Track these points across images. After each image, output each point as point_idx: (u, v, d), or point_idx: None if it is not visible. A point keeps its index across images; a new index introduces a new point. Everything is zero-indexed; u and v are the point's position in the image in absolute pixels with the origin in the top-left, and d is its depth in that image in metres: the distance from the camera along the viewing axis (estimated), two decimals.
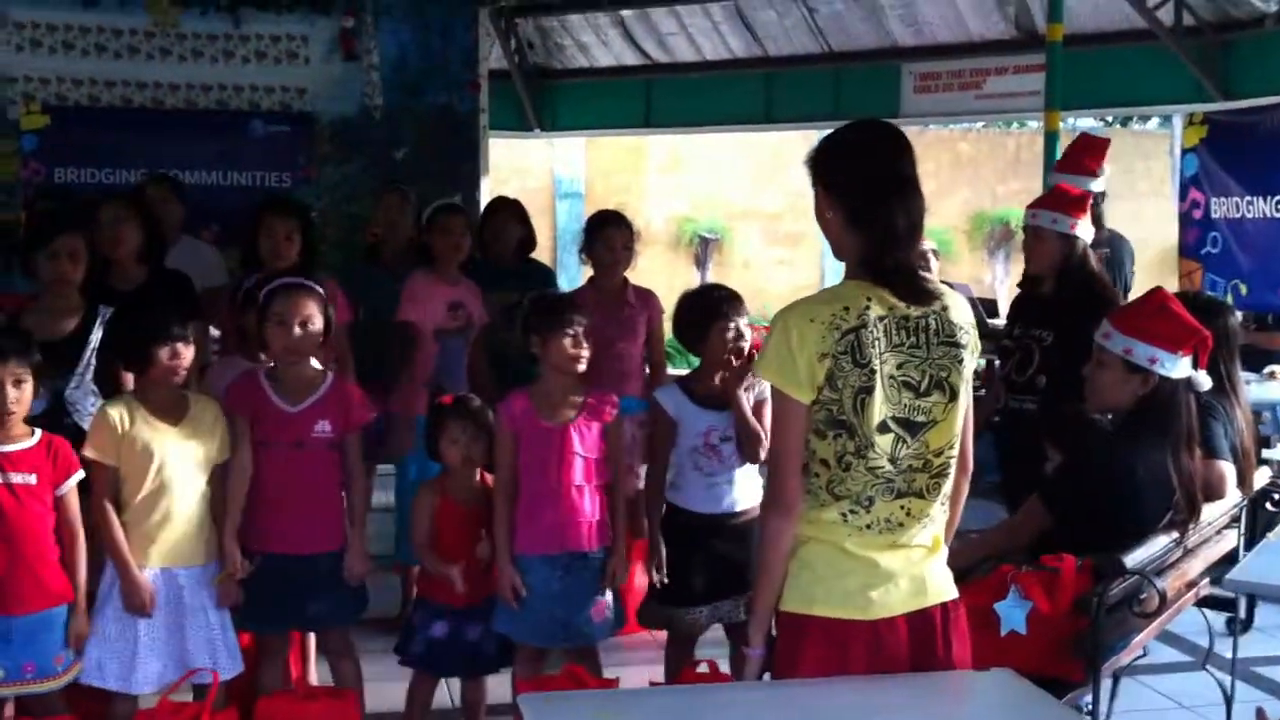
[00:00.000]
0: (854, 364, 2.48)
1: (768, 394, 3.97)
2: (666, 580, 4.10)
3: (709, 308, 4.14)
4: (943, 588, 2.64)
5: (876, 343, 2.50)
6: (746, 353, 4.05)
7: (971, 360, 2.62)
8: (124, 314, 4.07)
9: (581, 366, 3.91)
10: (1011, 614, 3.14)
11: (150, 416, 3.73)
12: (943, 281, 2.81)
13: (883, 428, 2.52)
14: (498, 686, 4.12)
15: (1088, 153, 5.53)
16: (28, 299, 4.46)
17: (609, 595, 3.98)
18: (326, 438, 3.91)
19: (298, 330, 3.85)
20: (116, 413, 3.72)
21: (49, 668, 3.61)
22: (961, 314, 2.62)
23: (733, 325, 4.06)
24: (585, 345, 3.90)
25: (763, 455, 3.91)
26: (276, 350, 3.90)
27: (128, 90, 7.34)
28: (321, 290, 3.99)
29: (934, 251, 6.62)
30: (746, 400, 4.01)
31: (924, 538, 2.62)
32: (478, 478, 4.05)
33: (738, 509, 4.09)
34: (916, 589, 2.59)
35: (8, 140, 7.10)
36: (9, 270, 4.44)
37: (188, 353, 3.74)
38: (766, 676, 2.71)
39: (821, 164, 2.63)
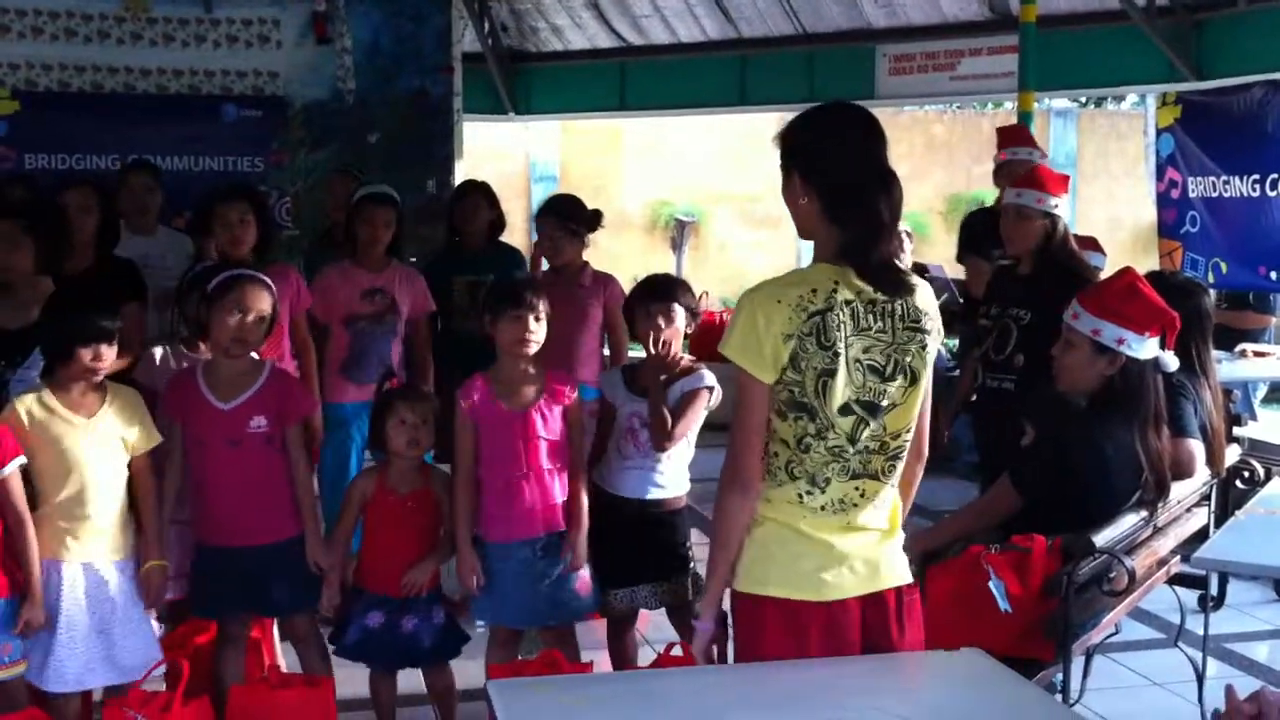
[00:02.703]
0: (818, 346, 2.49)
1: (704, 384, 4.03)
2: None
3: (636, 295, 4.17)
4: (897, 572, 2.65)
5: (842, 326, 2.50)
6: (667, 341, 4.04)
7: (935, 345, 2.63)
8: (58, 302, 4.02)
9: (530, 350, 3.87)
10: (1000, 591, 3.15)
11: (64, 409, 3.66)
12: (916, 264, 2.83)
13: (844, 410, 2.53)
14: (477, 671, 4.11)
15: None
16: None
17: (587, 572, 3.98)
18: (263, 433, 3.84)
19: (248, 320, 3.82)
20: (24, 406, 3.64)
21: None
22: (927, 300, 2.63)
23: (655, 313, 4.05)
24: (535, 329, 3.87)
25: (670, 446, 3.91)
26: (223, 341, 3.85)
27: (98, 75, 7.30)
28: (270, 281, 3.95)
29: (908, 234, 6.65)
30: (675, 389, 4.01)
31: (878, 520, 2.63)
32: (419, 468, 3.99)
33: (656, 496, 4.07)
34: (870, 572, 2.60)
35: None
36: None
37: (109, 353, 3.64)
38: (718, 652, 2.74)
39: (796, 149, 2.61)
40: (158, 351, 4.25)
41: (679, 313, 4.08)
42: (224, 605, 3.92)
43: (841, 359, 2.50)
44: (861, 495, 2.58)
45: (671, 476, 4.09)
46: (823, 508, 2.56)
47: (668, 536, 4.10)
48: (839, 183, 2.54)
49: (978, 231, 6.04)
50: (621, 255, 15.64)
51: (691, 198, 18.78)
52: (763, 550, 2.59)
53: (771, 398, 2.54)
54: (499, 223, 5.84)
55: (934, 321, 2.62)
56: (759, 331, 2.50)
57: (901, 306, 2.57)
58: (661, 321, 4.03)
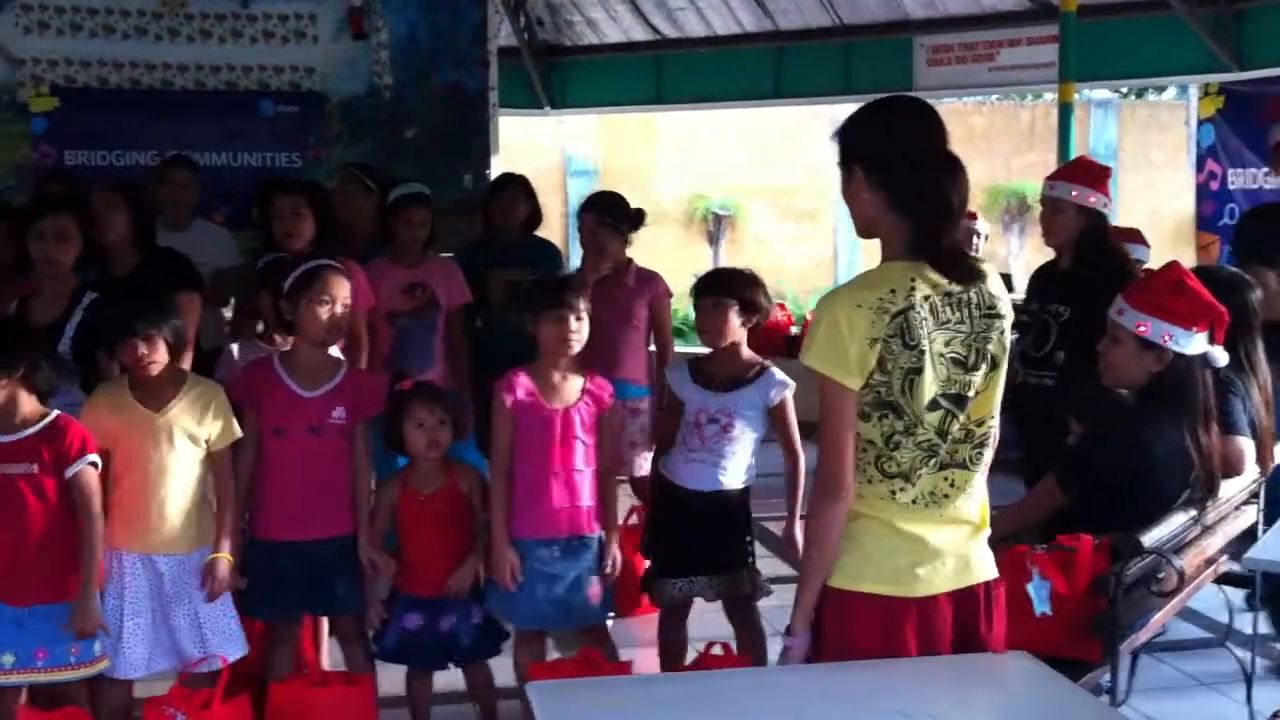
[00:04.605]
0: (904, 346, 2.46)
1: (786, 391, 4.00)
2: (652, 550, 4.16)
3: (697, 289, 4.16)
4: (986, 566, 2.63)
5: (924, 322, 2.47)
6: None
7: (1008, 330, 2.61)
8: (104, 304, 4.03)
9: (573, 349, 3.87)
10: (1041, 594, 3.11)
11: (134, 402, 3.69)
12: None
13: (932, 405, 2.50)
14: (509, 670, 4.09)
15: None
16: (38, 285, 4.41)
17: (607, 576, 3.96)
18: (341, 424, 3.88)
19: (337, 311, 3.84)
20: (101, 396, 3.71)
21: (63, 656, 3.57)
22: (997, 284, 2.61)
23: (713, 307, 4.06)
24: (578, 328, 3.86)
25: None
26: (316, 333, 3.87)
27: (136, 71, 7.31)
28: (347, 270, 3.97)
29: (985, 235, 6.50)
30: (754, 395, 4.02)
31: (970, 510, 2.60)
32: (442, 466, 3.98)
33: (720, 489, 4.06)
34: (961, 567, 2.58)
35: (18, 123, 7.08)
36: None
37: (150, 348, 3.65)
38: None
39: (856, 144, 2.57)
40: (236, 349, 4.26)
41: (733, 308, 4.04)
42: (281, 607, 3.92)
43: (927, 356, 2.47)
44: (952, 485, 2.56)
45: (736, 470, 4.07)
46: (914, 501, 2.54)
47: (730, 529, 4.09)
48: (904, 173, 2.50)
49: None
50: (658, 249, 15.61)
51: (728, 191, 18.72)
52: (857, 546, 2.55)
53: (857, 402, 2.50)
54: (536, 217, 5.82)
55: (1006, 305, 2.61)
56: (843, 338, 2.45)
57: (976, 295, 2.55)
58: (719, 316, 4.01)
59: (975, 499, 2.61)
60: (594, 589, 3.92)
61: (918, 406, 2.49)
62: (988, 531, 2.66)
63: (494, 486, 3.90)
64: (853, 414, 2.50)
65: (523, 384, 3.87)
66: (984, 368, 2.54)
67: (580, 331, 3.87)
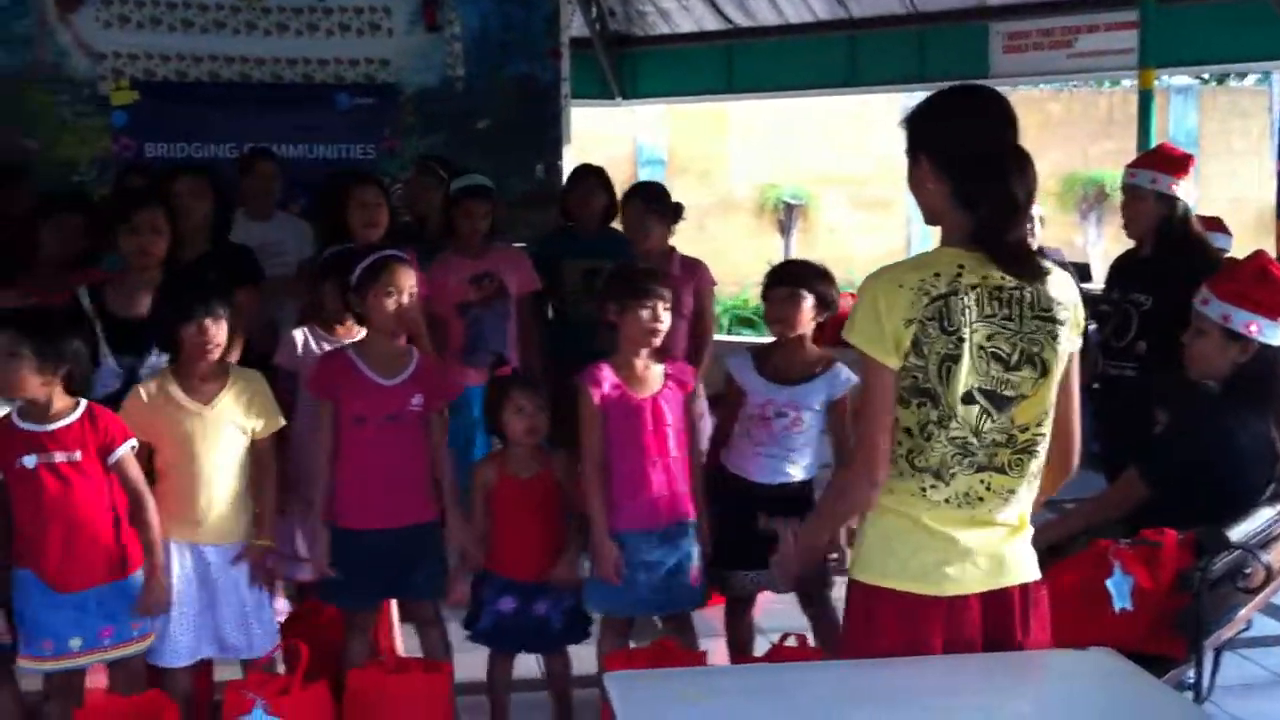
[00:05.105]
0: (941, 331, 2.43)
1: (850, 386, 3.98)
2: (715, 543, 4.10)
3: (767, 280, 4.15)
4: (1024, 568, 2.57)
5: (967, 311, 2.43)
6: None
7: (1070, 337, 2.53)
8: (169, 289, 4.09)
9: (657, 340, 3.88)
10: (1121, 589, 3.06)
11: (182, 393, 3.73)
12: (1038, 248, 2.74)
13: (967, 398, 2.46)
14: (588, 657, 4.11)
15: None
16: (110, 275, 4.46)
17: (701, 562, 3.97)
18: (419, 411, 3.92)
19: (404, 301, 3.88)
20: (146, 388, 3.75)
21: (127, 633, 3.62)
22: (1063, 290, 2.53)
23: (780, 299, 4.05)
24: (663, 318, 3.86)
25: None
26: (385, 323, 3.91)
27: (215, 65, 7.42)
28: (412, 260, 4.01)
29: (1040, 218, 6.45)
30: (819, 388, 4.02)
31: (1007, 515, 2.55)
32: (538, 452, 4.00)
33: (788, 480, 4.05)
34: (995, 567, 2.53)
35: (99, 116, 7.21)
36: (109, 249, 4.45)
37: (216, 329, 3.71)
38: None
39: (923, 132, 2.55)
40: (298, 336, 4.31)
41: (807, 299, 4.03)
42: (363, 595, 3.96)
43: (966, 345, 2.43)
44: (987, 489, 2.51)
45: (802, 463, 4.06)
46: (947, 500, 2.50)
47: (797, 515, 4.05)
48: (969, 163, 2.47)
49: None
50: (729, 239, 15.58)
51: (799, 180, 18.63)
52: (882, 542, 2.54)
53: (895, 384, 2.48)
54: (613, 208, 5.82)
55: (1069, 312, 2.52)
56: (880, 316, 2.45)
57: (1032, 294, 2.48)
58: (792, 307, 4.00)
59: (1014, 506, 2.55)
60: (693, 573, 3.93)
61: (953, 397, 2.45)
62: (1028, 532, 2.60)
63: (590, 481, 3.89)
64: (890, 394, 2.47)
65: (608, 377, 3.88)
66: (1028, 370, 2.48)
67: (665, 322, 3.87)
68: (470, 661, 4.09)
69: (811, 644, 3.87)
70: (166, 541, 3.69)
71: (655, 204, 5.26)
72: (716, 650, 4.16)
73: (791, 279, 4.10)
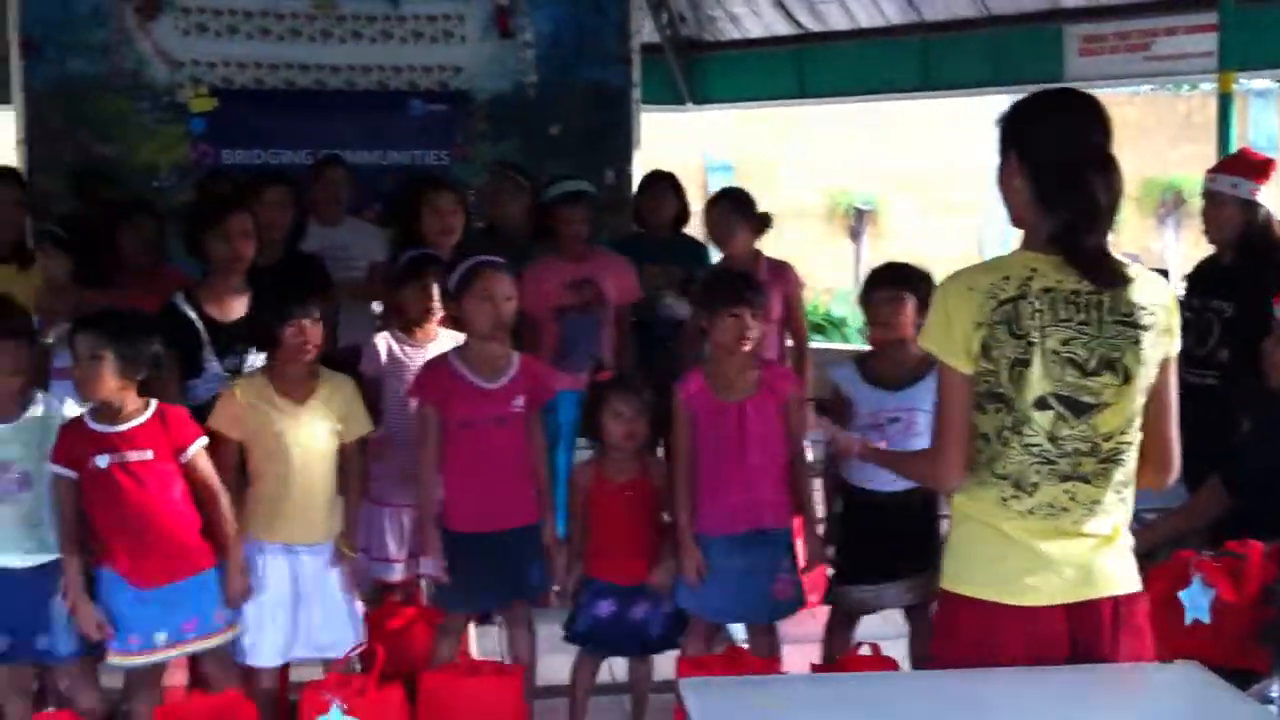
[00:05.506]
0: (1010, 335, 2.42)
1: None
2: (835, 557, 4.11)
3: (867, 283, 4.15)
4: (1116, 580, 2.52)
5: (1037, 315, 2.42)
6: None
7: (1156, 342, 2.49)
8: (261, 294, 4.15)
9: (747, 347, 3.87)
10: (1196, 602, 3.01)
11: (276, 394, 3.79)
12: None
13: (1041, 404, 2.44)
14: (662, 660, 4.11)
15: None
16: (197, 280, 4.53)
17: (793, 573, 3.94)
18: (521, 413, 3.95)
19: (500, 306, 3.89)
20: (241, 388, 3.81)
21: (210, 625, 3.69)
22: (1150, 294, 2.50)
23: (882, 302, 4.05)
24: (754, 325, 3.86)
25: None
26: (484, 329, 3.94)
27: (291, 72, 7.49)
28: (504, 264, 4.04)
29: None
30: (923, 390, 3.95)
31: (1097, 526, 2.51)
32: (635, 457, 4.02)
33: (906, 488, 3.97)
34: (1082, 578, 2.49)
35: (178, 123, 7.31)
36: (187, 254, 4.51)
37: (314, 330, 3.78)
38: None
39: (1013, 131, 2.54)
40: (381, 342, 4.36)
41: (909, 301, 3.99)
42: (474, 598, 4.01)
43: (1036, 349, 2.42)
44: (1072, 499, 2.48)
45: None
46: (1030, 511, 2.48)
47: (921, 527, 4.03)
48: (1053, 166, 2.45)
49: None
50: (799, 244, 15.51)
51: (870, 185, 18.52)
52: (964, 549, 2.53)
53: (971, 389, 2.46)
54: (685, 213, 5.83)
55: (1155, 317, 2.49)
56: (950, 320, 2.46)
57: (1111, 299, 2.45)
58: (895, 309, 3.97)
59: (1103, 516, 2.51)
60: (779, 584, 3.91)
61: (1024, 402, 2.43)
62: (1124, 543, 2.56)
63: (676, 484, 3.91)
64: (963, 399, 2.48)
65: (695, 383, 3.89)
66: (1108, 376, 2.45)
67: (756, 329, 3.87)
68: (549, 666, 4.10)
69: (887, 654, 3.83)
70: (260, 541, 3.75)
71: (741, 208, 5.23)
72: (788, 656, 4.13)
73: (893, 281, 4.07)
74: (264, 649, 3.79)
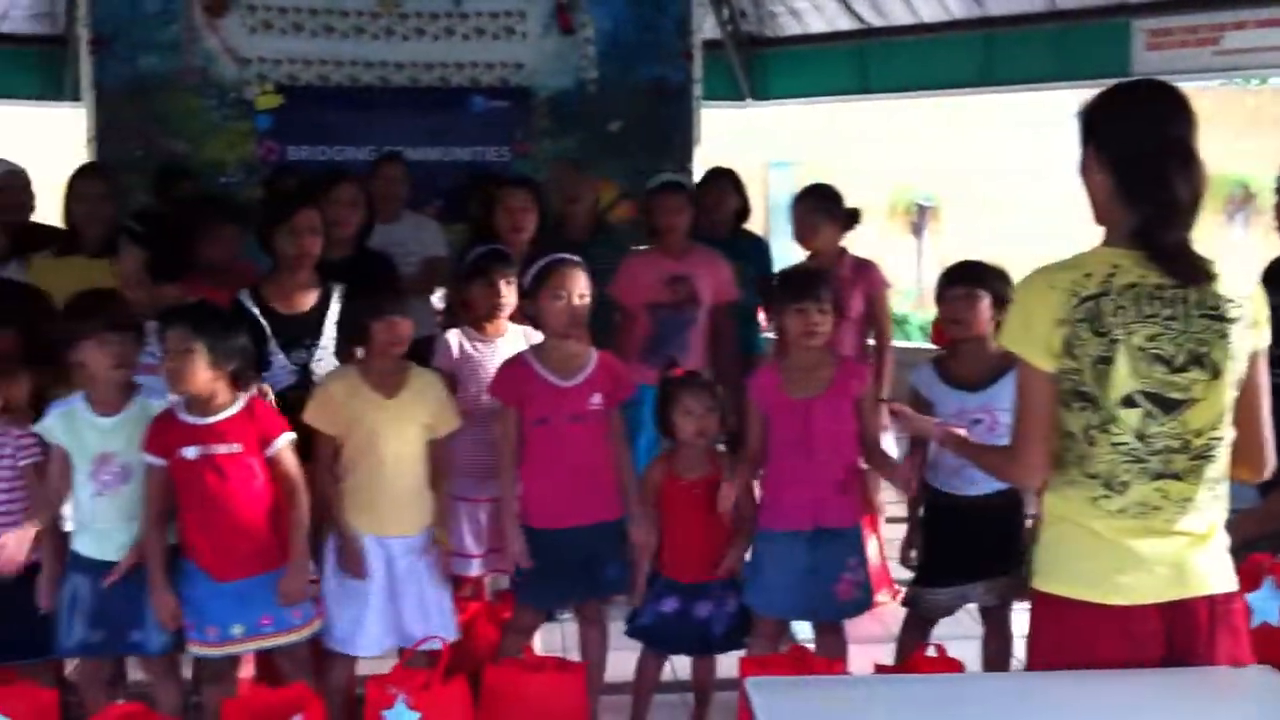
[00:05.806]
0: (1092, 333, 2.39)
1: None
2: (915, 559, 4.10)
3: (940, 281, 4.12)
4: (1212, 579, 2.49)
5: (1121, 311, 2.39)
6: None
7: (1244, 335, 2.45)
8: (351, 291, 4.18)
9: (816, 341, 3.86)
10: (1265, 606, 2.97)
11: (368, 389, 3.82)
12: None
13: (1128, 401, 2.41)
14: (725, 658, 4.10)
15: None
16: (265, 275, 4.56)
17: (859, 573, 3.92)
18: (599, 410, 3.96)
19: (575, 303, 3.90)
20: (335, 383, 3.85)
21: (287, 620, 3.73)
22: (1236, 286, 2.46)
23: (953, 300, 4.03)
24: (820, 320, 3.84)
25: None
26: (559, 327, 3.95)
27: (355, 69, 7.55)
28: (580, 260, 4.06)
29: None
30: (1005, 386, 3.91)
31: (1190, 524, 2.47)
32: (706, 453, 4.01)
33: (989, 491, 3.94)
34: (1176, 576, 2.46)
35: (244, 120, 7.39)
36: (258, 249, 4.55)
37: (405, 325, 3.81)
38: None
39: (1094, 122, 2.51)
40: (453, 339, 4.38)
41: (984, 299, 3.96)
42: (555, 593, 4.04)
43: (1121, 346, 2.39)
44: (1164, 497, 2.45)
45: None
46: (1122, 510, 2.45)
47: (1004, 530, 3.99)
48: (1133, 160, 2.42)
49: None
50: (862, 242, 15.41)
51: (932, 182, 18.40)
52: (1055, 548, 2.52)
53: (1055, 387, 2.44)
54: (745, 210, 5.80)
55: (1241, 309, 2.45)
56: (1031, 318, 2.44)
57: (1198, 294, 2.42)
58: (971, 307, 3.93)
59: (1196, 514, 2.47)
60: (843, 583, 3.90)
61: (1110, 400, 2.41)
62: (1219, 541, 2.52)
63: (745, 479, 3.93)
64: (1044, 396, 2.46)
65: (766, 378, 3.89)
66: (1196, 372, 2.42)
67: (823, 324, 3.85)
68: (610, 661, 4.11)
69: (952, 655, 3.80)
70: (356, 533, 3.79)
71: (826, 204, 5.17)
72: (853, 656, 4.11)
73: (968, 279, 4.04)
74: (364, 638, 3.82)
